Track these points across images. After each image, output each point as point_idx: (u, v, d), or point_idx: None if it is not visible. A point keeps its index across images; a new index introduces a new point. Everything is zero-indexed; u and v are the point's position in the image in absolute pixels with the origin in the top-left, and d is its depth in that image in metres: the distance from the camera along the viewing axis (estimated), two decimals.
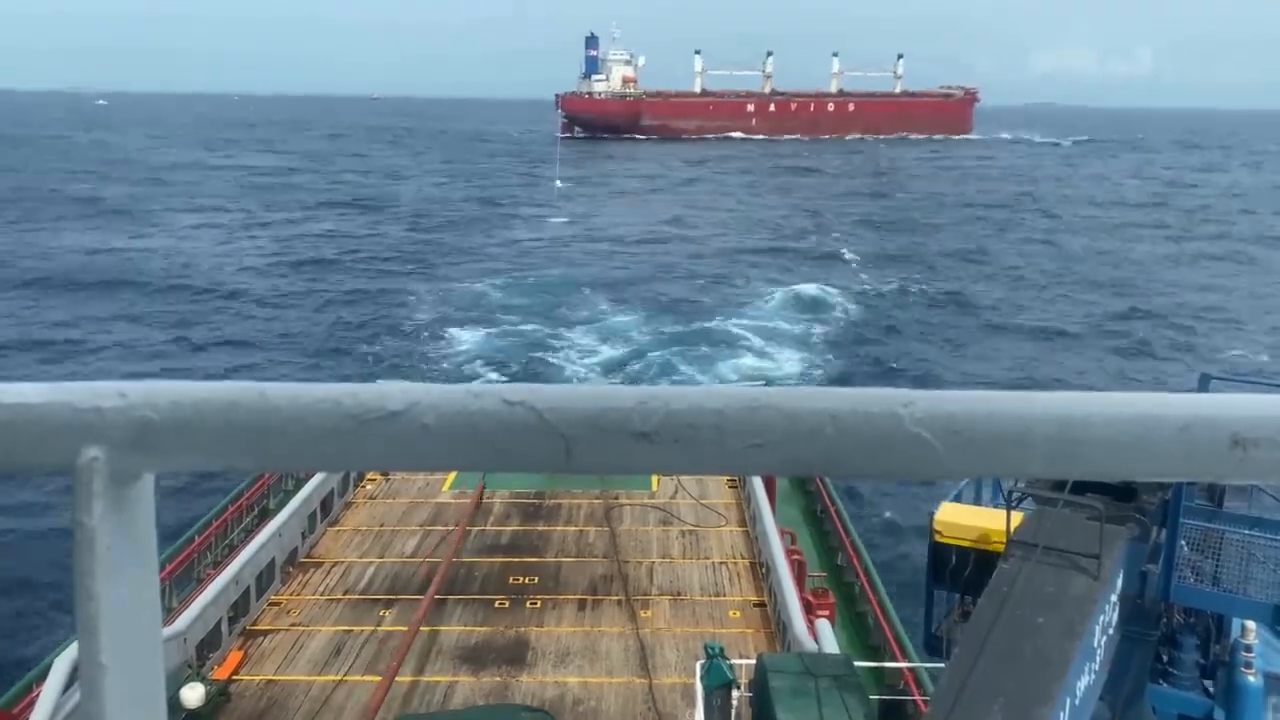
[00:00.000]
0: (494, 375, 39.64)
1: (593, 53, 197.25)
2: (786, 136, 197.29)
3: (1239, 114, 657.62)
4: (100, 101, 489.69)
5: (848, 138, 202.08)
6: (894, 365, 43.08)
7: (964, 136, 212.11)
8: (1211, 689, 13.48)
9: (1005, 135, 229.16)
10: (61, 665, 12.58)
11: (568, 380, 37.38)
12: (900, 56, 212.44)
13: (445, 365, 42.20)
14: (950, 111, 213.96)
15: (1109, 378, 41.30)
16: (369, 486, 22.04)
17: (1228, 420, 0.88)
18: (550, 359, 43.33)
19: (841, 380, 38.07)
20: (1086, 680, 10.15)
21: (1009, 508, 12.32)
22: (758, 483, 19.85)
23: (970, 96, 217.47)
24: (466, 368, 41.79)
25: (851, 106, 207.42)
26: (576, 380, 38.40)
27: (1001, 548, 11.68)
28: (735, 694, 12.06)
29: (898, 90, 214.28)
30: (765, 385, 1.28)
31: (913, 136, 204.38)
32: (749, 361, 43.27)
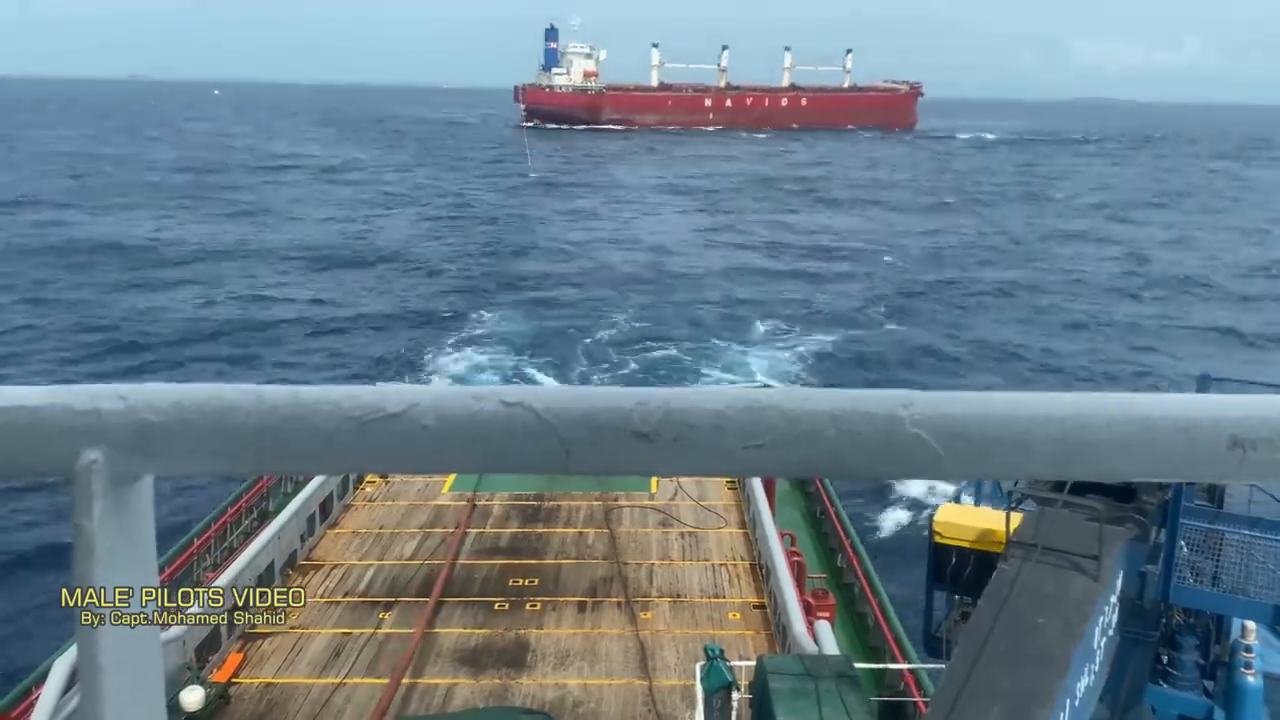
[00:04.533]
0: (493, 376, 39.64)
1: (552, 45, 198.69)
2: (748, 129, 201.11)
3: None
4: (215, 91, 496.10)
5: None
6: None
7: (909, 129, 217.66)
8: (1211, 689, 13.49)
9: (938, 131, 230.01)
10: (61, 668, 12.56)
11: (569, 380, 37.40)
12: (849, 51, 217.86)
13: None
14: (896, 105, 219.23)
15: None
16: (368, 489, 22.02)
17: (1227, 421, 0.88)
18: None
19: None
20: (1086, 681, 10.15)
21: (1009, 508, 12.32)
22: (757, 484, 19.83)
23: (914, 91, 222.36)
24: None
25: (804, 101, 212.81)
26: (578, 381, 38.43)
27: (1001, 548, 11.69)
28: (735, 696, 12.05)
29: (846, 85, 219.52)
30: (765, 386, 1.28)
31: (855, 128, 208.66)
32: None
